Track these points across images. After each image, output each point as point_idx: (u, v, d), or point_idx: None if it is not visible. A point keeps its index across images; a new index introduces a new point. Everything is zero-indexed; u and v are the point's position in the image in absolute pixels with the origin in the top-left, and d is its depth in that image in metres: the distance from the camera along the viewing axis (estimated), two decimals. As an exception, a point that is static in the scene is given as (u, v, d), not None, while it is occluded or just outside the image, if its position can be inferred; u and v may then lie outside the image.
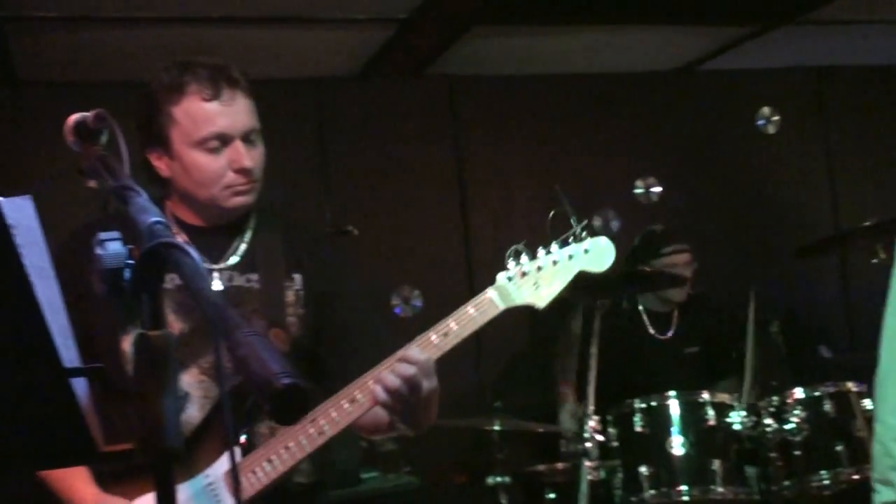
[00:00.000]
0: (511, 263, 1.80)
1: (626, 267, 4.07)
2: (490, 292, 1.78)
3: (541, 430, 3.59)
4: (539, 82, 4.82)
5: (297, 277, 1.97)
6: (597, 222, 4.78)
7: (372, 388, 1.75)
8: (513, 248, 1.80)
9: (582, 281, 3.26)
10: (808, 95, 5.31)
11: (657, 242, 4.09)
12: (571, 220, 1.81)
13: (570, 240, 1.80)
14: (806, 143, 5.29)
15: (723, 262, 4.88)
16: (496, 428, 3.50)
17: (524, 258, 1.81)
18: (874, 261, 3.34)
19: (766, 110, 5.03)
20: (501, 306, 1.77)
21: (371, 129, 4.61)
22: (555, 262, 1.79)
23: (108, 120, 1.37)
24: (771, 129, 5.11)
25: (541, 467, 3.60)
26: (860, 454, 3.18)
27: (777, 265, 4.88)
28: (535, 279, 1.79)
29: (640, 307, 4.12)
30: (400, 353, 1.76)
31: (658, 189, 4.90)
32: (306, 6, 3.73)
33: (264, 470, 1.77)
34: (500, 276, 1.79)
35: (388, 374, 1.73)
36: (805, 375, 4.01)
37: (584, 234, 1.81)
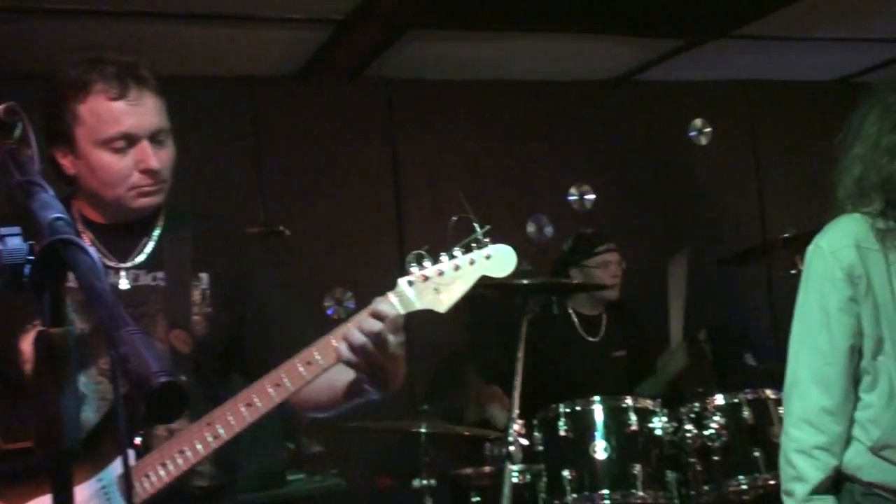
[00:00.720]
0: (413, 268, 1.80)
1: (557, 269, 4.14)
2: (391, 296, 1.78)
3: (467, 433, 3.61)
4: (477, 87, 4.85)
5: (205, 276, 1.95)
6: (530, 228, 4.83)
7: (335, 347, 1.73)
8: (414, 252, 1.80)
9: (513, 283, 3.33)
10: (738, 108, 5.42)
11: (588, 243, 4.17)
12: (475, 226, 1.82)
13: (473, 245, 1.81)
14: (736, 156, 5.40)
15: (652, 270, 4.95)
16: (423, 430, 3.51)
17: (427, 263, 1.81)
18: (793, 272, 3.43)
19: (697, 122, 5.13)
20: (401, 310, 1.76)
21: (307, 130, 4.60)
22: (457, 268, 1.80)
23: (20, 113, 1.35)
24: (703, 141, 5.20)
25: (467, 470, 3.62)
26: (776, 460, 3.25)
27: (706, 274, 4.96)
28: (437, 284, 1.79)
29: (571, 310, 4.18)
30: (369, 308, 1.74)
31: (592, 196, 4.97)
32: (243, 4, 3.70)
33: (158, 474, 1.75)
34: (402, 281, 1.78)
35: (354, 330, 1.72)
36: (730, 383, 4.10)
37: (486, 239, 1.82)
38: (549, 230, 4.82)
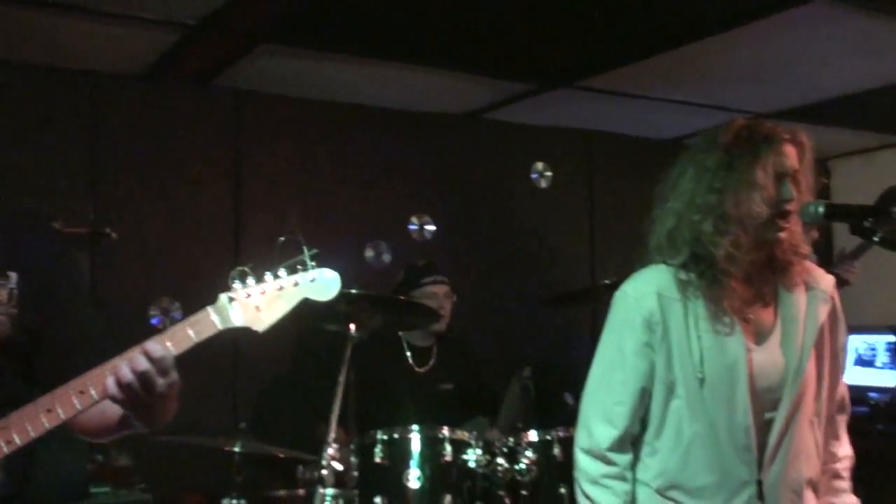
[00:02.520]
0: (236, 284, 1.78)
1: (390, 299, 4.16)
2: (210, 311, 1.75)
3: (282, 454, 3.56)
4: (327, 108, 4.84)
5: (13, 276, 1.86)
6: (369, 253, 4.84)
7: (105, 381, 1.70)
8: (238, 269, 1.79)
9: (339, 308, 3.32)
10: (578, 156, 5.63)
11: (417, 273, 4.21)
12: (303, 248, 1.82)
13: (299, 267, 1.81)
14: (573, 201, 5.60)
15: (483, 305, 5.05)
16: (237, 449, 3.44)
17: (250, 280, 1.80)
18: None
19: (539, 165, 5.28)
20: (219, 327, 1.74)
21: (149, 133, 4.46)
22: (280, 288, 1.79)
23: None
24: (543, 184, 5.36)
25: (279, 492, 3.57)
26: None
27: (536, 313, 5.10)
28: (258, 303, 1.78)
29: (403, 340, 4.21)
30: (141, 345, 1.71)
31: (432, 227, 5.03)
32: (92, -3, 3.57)
33: None
34: (223, 297, 1.77)
35: (124, 366, 1.68)
36: (549, 420, 4.21)
37: (312, 263, 1.82)
38: (387, 257, 4.85)
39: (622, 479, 2.21)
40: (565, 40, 3.98)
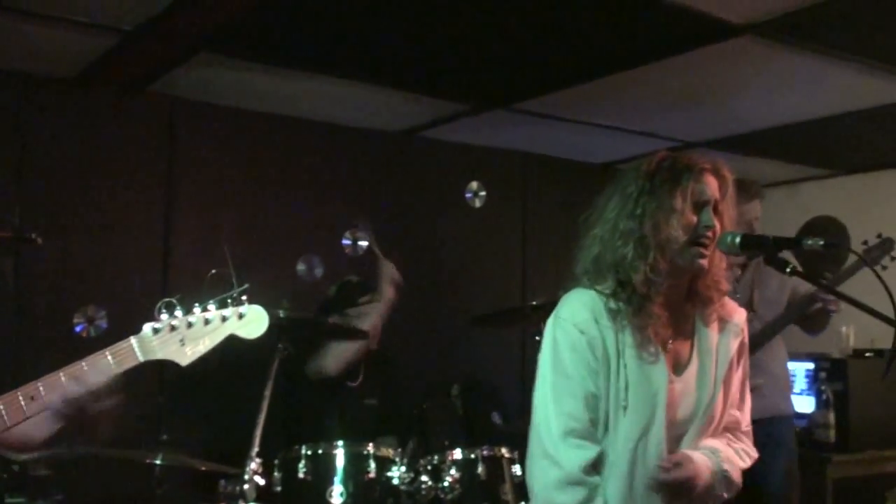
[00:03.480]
0: (163, 315, 1.76)
1: (320, 316, 4.15)
2: (132, 341, 1.73)
3: (204, 468, 3.52)
4: (264, 120, 4.82)
5: None
6: (301, 267, 4.82)
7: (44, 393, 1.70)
8: (165, 300, 1.77)
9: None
10: (513, 177, 5.69)
11: (353, 292, 4.21)
12: (233, 282, 1.81)
13: (228, 301, 1.80)
14: (506, 222, 5.66)
15: (414, 323, 5.06)
16: (158, 462, 3.40)
17: (178, 312, 1.78)
18: (537, 338, 3.60)
19: (474, 185, 5.29)
20: (141, 358, 1.73)
21: (80, 138, 4.39)
22: (206, 322, 1.78)
23: None
24: (477, 204, 5.37)
25: (201, 506, 3.53)
26: (504, 516, 3.40)
27: (466, 332, 5.13)
28: (183, 336, 1.77)
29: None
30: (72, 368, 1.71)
31: (366, 243, 5.02)
32: (24, -3, 3.52)
33: None
34: (146, 327, 1.75)
35: (69, 379, 1.69)
36: (476, 439, 4.24)
37: (242, 297, 1.81)
38: (319, 271, 4.81)
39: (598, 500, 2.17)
40: (502, 63, 4.04)
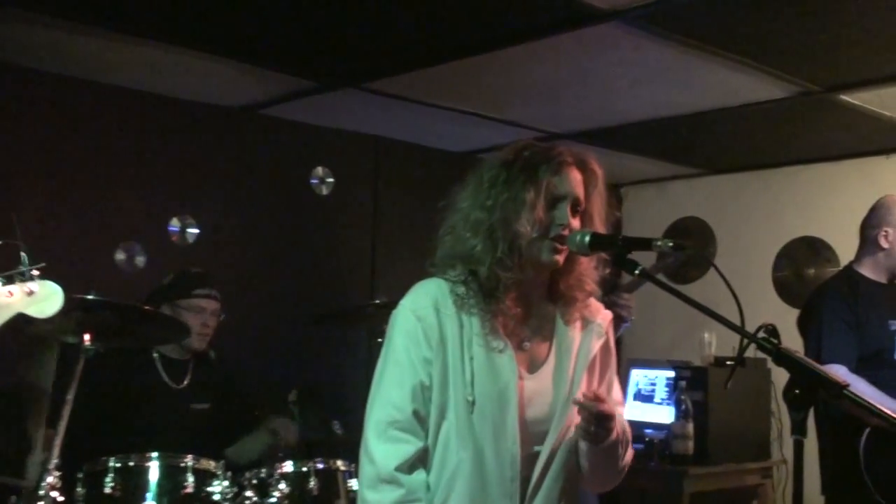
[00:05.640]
0: None
1: (147, 304, 4.02)
2: None
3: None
4: (82, 88, 4.60)
5: None
6: (120, 255, 4.66)
7: None
8: None
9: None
10: (364, 163, 5.66)
11: (188, 283, 4.10)
12: (22, 256, 1.74)
13: (17, 277, 1.73)
14: (355, 212, 5.62)
15: (251, 320, 4.97)
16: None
17: None
18: (380, 339, 3.58)
19: (320, 170, 5.25)
20: None
21: None
22: None
23: None
24: (324, 191, 5.32)
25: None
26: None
27: (308, 331, 5.07)
28: None
29: (155, 352, 4.07)
30: None
31: (195, 231, 4.89)
32: None
33: None
34: None
35: None
36: (314, 450, 4.18)
37: (34, 273, 1.74)
38: (140, 260, 4.68)
39: (417, 499, 2.18)
40: (353, 38, 4.00)
